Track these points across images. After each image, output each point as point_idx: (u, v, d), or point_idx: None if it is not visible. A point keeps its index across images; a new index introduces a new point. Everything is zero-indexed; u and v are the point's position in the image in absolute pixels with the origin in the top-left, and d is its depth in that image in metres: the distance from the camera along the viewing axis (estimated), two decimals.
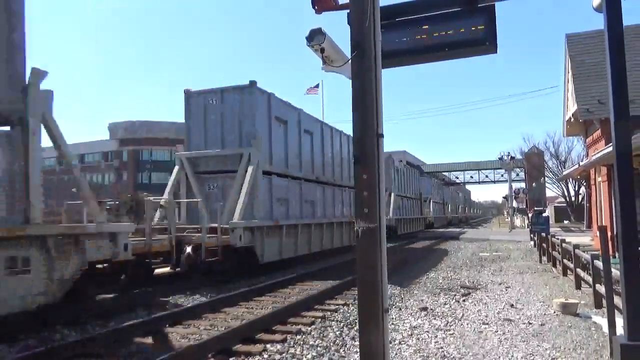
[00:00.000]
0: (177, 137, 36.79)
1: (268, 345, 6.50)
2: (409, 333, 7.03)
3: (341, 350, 6.34)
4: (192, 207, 14.37)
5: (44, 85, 8.04)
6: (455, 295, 10.16)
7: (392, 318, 7.93)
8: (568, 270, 12.10)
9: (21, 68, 7.80)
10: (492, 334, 6.91)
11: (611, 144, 5.00)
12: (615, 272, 6.17)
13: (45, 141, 8.47)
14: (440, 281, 12.40)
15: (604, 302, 7.23)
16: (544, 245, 16.62)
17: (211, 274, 12.20)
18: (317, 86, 35.10)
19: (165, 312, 8.38)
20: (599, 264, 7.20)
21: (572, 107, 19.47)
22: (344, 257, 17.85)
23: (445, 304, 9.24)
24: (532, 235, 23.80)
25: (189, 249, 11.54)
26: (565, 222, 52.79)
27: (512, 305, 8.89)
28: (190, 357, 5.83)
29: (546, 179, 54.39)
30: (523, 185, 56.86)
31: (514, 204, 51.93)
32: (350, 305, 9.06)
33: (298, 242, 15.94)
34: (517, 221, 51.91)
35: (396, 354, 6.05)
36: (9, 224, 7.25)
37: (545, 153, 53.81)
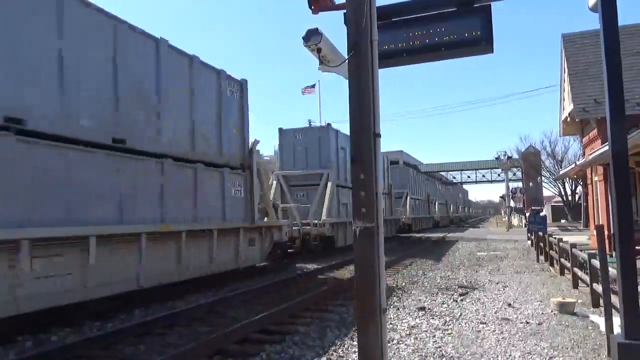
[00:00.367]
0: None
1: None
2: (407, 333, 7.04)
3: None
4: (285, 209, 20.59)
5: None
6: (453, 294, 10.18)
7: (390, 318, 7.94)
8: (565, 270, 12.12)
9: (247, 136, 13.64)
10: (490, 333, 6.92)
11: (607, 143, 5.01)
12: (612, 271, 6.19)
13: None
14: (438, 281, 12.43)
15: (601, 301, 7.27)
16: (541, 244, 16.64)
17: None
18: (313, 86, 35.13)
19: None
20: (596, 263, 7.21)
21: (569, 107, 19.52)
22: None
23: (443, 303, 9.25)
24: (529, 235, 23.80)
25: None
26: (563, 221, 52.89)
27: (509, 305, 8.90)
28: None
29: (543, 178, 54.48)
30: (520, 184, 56.87)
31: (511, 203, 52.07)
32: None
33: None
34: (515, 221, 52.02)
35: (394, 353, 6.06)
36: (245, 222, 12.99)
37: (542, 152, 53.79)
